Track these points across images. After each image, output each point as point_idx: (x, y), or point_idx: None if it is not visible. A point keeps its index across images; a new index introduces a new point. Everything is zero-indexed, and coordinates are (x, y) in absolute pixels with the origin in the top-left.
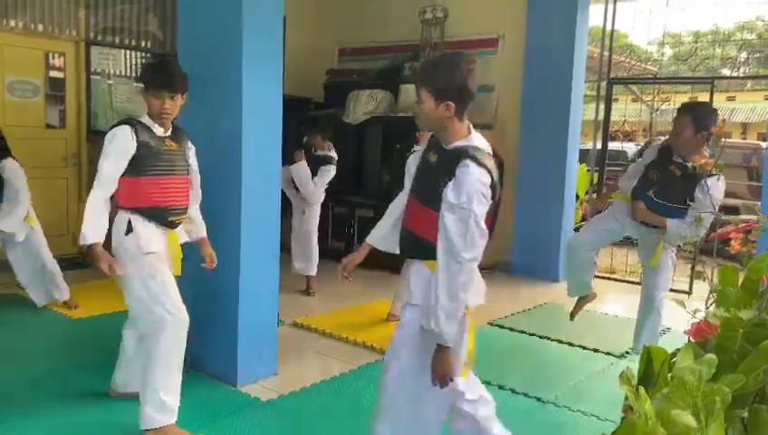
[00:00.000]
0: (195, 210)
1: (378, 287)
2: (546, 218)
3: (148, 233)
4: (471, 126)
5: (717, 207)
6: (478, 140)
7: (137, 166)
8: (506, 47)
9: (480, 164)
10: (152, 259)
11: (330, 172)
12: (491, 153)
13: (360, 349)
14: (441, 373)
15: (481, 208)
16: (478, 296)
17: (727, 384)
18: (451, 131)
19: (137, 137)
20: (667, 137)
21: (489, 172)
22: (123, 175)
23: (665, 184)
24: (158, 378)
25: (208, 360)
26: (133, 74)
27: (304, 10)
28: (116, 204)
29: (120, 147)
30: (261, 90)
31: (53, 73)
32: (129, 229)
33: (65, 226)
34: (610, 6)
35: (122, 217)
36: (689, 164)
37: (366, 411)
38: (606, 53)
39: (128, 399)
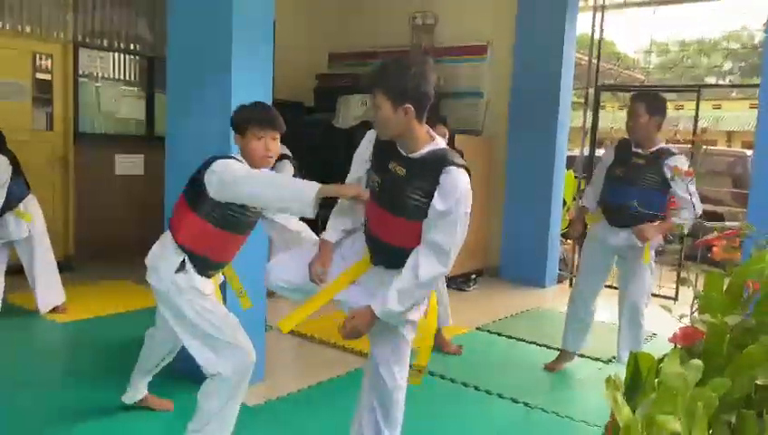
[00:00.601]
0: (295, 223)
1: None
2: (534, 224)
3: (198, 276)
4: (429, 129)
5: (694, 180)
6: (442, 141)
7: (221, 215)
8: (495, 53)
9: (459, 166)
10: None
11: (288, 167)
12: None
13: (349, 354)
14: (356, 328)
15: (467, 211)
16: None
17: (714, 389)
18: (414, 137)
19: None
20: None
21: (468, 172)
22: (200, 213)
23: (630, 176)
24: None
25: (195, 364)
26: (122, 77)
27: (295, 14)
28: (174, 236)
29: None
30: (250, 93)
31: (41, 75)
32: (182, 268)
33: (52, 229)
34: (598, 14)
35: (178, 253)
36: (673, 169)
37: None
38: (594, 61)
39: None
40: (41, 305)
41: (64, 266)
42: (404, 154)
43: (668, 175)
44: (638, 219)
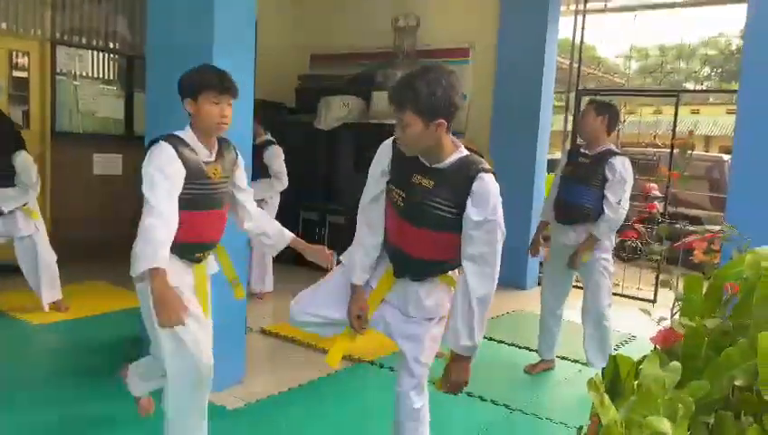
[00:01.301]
0: (268, 221)
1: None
2: (514, 227)
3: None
4: (453, 137)
5: (626, 183)
6: (464, 149)
7: (178, 197)
8: (478, 56)
9: (489, 171)
10: None
11: (278, 152)
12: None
13: None
14: (459, 382)
15: (502, 216)
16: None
17: (692, 391)
18: (442, 149)
19: (181, 159)
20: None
21: (494, 175)
22: None
23: (577, 173)
24: None
25: None
26: (100, 75)
27: (277, 15)
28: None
29: (168, 172)
30: None
31: (17, 73)
32: None
33: None
34: (579, 19)
35: None
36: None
37: (333, 420)
38: (575, 65)
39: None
40: (45, 300)
41: None
42: (428, 165)
43: (609, 176)
44: (586, 217)
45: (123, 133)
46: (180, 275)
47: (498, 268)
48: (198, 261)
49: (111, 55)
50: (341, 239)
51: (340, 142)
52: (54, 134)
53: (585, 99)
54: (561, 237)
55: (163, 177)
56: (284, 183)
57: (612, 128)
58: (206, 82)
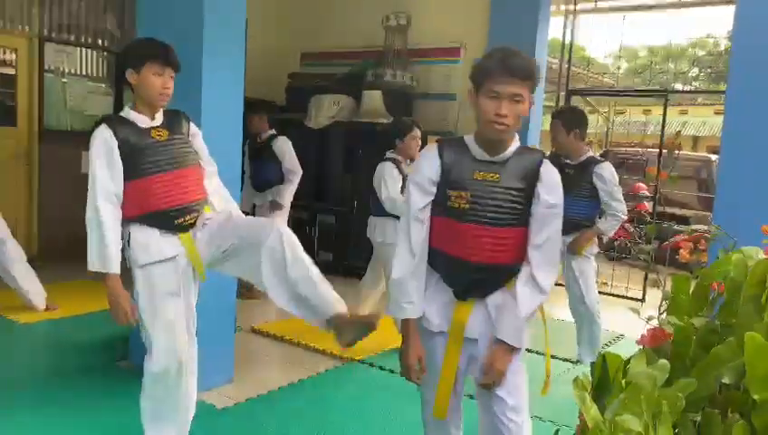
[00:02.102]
0: (226, 201)
1: (336, 293)
2: None
3: (146, 240)
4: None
5: (615, 184)
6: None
7: (136, 166)
8: (469, 56)
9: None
10: (150, 275)
11: (288, 145)
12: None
13: (319, 355)
14: (500, 373)
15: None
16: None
17: (680, 389)
18: (512, 136)
19: (115, 135)
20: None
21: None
22: (128, 179)
23: (566, 184)
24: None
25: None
26: (89, 73)
27: (267, 14)
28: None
29: (102, 151)
30: (221, 91)
31: (5, 70)
32: (127, 245)
33: (15, 227)
34: (570, 19)
35: (124, 232)
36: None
37: (324, 419)
38: (565, 65)
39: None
40: (38, 303)
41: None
42: (488, 159)
43: (599, 183)
44: (578, 225)
45: None
46: (164, 249)
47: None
48: (184, 229)
49: (100, 52)
50: (331, 238)
51: (331, 141)
52: (42, 132)
53: (575, 98)
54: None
55: (101, 163)
56: (299, 173)
57: (585, 134)
58: (150, 52)
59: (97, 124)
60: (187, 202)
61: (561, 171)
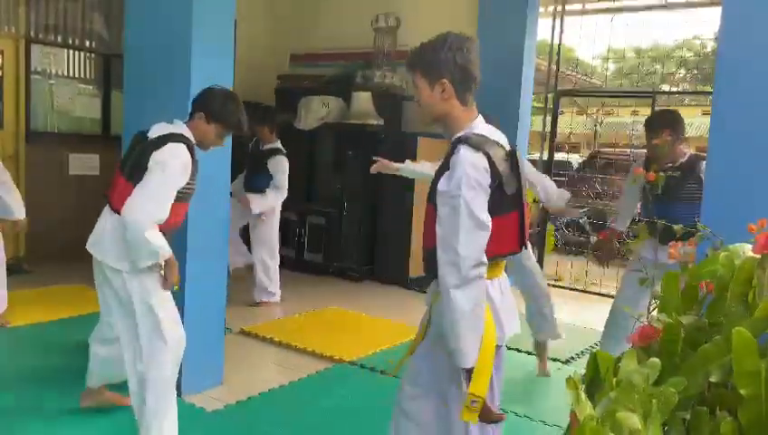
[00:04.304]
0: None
1: (325, 294)
2: None
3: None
4: (481, 116)
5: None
6: (483, 127)
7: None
8: None
9: (475, 148)
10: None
11: (284, 163)
12: (500, 142)
13: (309, 357)
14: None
15: (473, 195)
16: (509, 323)
17: (671, 387)
18: (455, 120)
19: (192, 157)
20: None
21: (487, 157)
22: None
23: (668, 191)
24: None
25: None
26: (76, 75)
27: (256, 14)
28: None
29: (183, 175)
30: None
31: None
32: None
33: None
34: (558, 21)
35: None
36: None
37: (313, 421)
38: (553, 67)
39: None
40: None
41: (15, 269)
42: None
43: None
44: (689, 233)
45: (100, 133)
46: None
47: (468, 261)
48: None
49: (88, 54)
50: (321, 239)
51: (320, 143)
52: (29, 134)
53: (563, 99)
54: (660, 256)
55: (173, 186)
56: (283, 195)
57: (682, 136)
58: (229, 120)
59: (176, 141)
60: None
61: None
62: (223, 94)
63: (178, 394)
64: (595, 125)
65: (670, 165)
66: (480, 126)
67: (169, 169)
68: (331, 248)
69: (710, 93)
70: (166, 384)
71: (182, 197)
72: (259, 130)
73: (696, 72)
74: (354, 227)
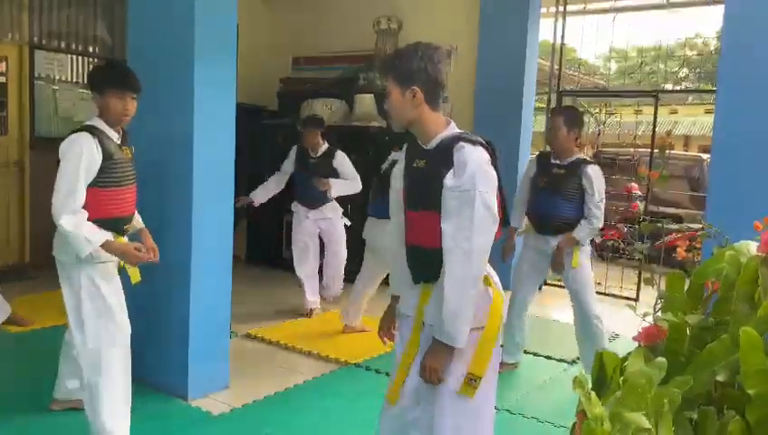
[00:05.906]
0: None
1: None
2: None
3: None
4: (450, 120)
5: (602, 191)
6: (458, 130)
7: (98, 177)
8: (460, 59)
9: (475, 143)
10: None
11: (347, 161)
12: (481, 141)
13: (314, 360)
14: (433, 367)
15: (487, 187)
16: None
17: (676, 387)
18: (426, 124)
19: (101, 147)
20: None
21: (487, 150)
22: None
23: (555, 184)
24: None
25: (158, 373)
26: (80, 80)
27: (258, 17)
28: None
29: (86, 160)
30: (213, 95)
31: None
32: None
33: (7, 235)
34: (560, 21)
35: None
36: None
37: (320, 424)
38: (556, 67)
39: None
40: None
41: (20, 275)
42: (422, 148)
43: (586, 185)
44: (568, 226)
45: None
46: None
47: (479, 252)
48: (123, 233)
49: (91, 59)
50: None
51: None
52: (33, 139)
53: (566, 99)
54: (541, 245)
55: (81, 175)
56: (359, 184)
57: (580, 135)
58: (109, 80)
59: (78, 131)
60: (131, 213)
61: (549, 171)
62: (98, 66)
63: (185, 398)
64: (598, 125)
65: (557, 163)
66: (457, 129)
67: (67, 157)
68: None
69: (713, 92)
70: (111, 366)
71: (106, 183)
72: (312, 135)
73: (698, 70)
74: (357, 229)
